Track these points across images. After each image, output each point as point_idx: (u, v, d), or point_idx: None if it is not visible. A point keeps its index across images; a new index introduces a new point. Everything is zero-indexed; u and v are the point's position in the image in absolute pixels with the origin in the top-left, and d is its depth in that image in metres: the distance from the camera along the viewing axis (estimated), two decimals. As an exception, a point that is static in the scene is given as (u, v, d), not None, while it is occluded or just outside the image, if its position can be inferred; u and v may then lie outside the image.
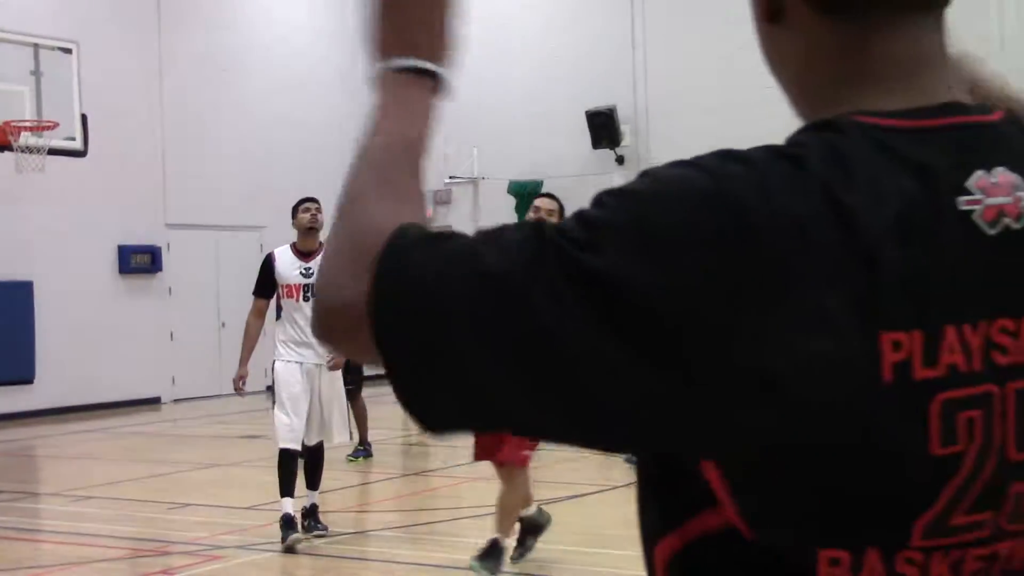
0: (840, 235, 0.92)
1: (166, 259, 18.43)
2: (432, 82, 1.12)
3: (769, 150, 0.97)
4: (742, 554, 0.97)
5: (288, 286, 8.05)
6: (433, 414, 1.00)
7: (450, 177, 20.39)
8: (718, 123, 19.10)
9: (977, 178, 0.96)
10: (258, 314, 8.34)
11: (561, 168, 19.39)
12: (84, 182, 16.90)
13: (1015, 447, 0.95)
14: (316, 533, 7.98)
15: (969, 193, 0.96)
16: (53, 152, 15.06)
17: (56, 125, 14.76)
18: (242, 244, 19.20)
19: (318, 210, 8.22)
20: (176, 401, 18.33)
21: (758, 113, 18.64)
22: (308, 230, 8.16)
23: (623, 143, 19.69)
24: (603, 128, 19.56)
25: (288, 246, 8.25)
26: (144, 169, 18.08)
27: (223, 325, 18.90)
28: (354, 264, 0.99)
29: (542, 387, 0.93)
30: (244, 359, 8.30)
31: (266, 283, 8.21)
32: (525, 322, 0.92)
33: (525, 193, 20.09)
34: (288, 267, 8.08)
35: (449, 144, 18.68)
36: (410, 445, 13.15)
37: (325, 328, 1.04)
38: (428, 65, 1.12)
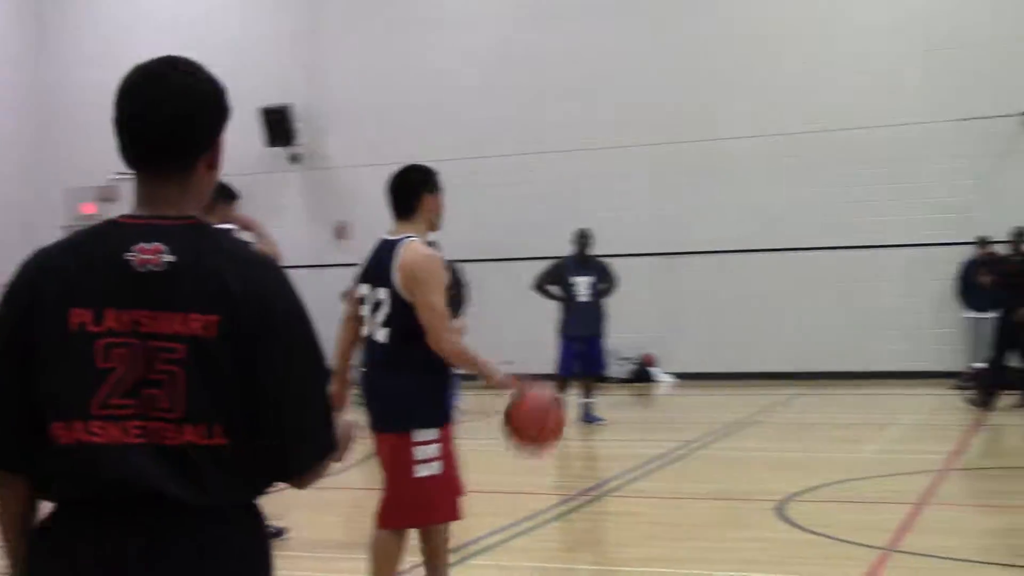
0: (71, 268, 2.15)
1: None
2: None
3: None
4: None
5: None
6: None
7: (117, 173, 19.51)
8: (394, 123, 19.57)
9: (138, 245, 2.15)
10: None
11: (234, 166, 18.83)
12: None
13: (144, 371, 2.11)
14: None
15: (131, 252, 2.14)
16: None
17: None
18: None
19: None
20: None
21: (433, 116, 19.37)
22: None
23: (298, 142, 19.71)
24: (278, 126, 19.46)
25: None
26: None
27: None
28: None
29: None
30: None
31: None
32: None
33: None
34: None
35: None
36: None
37: None
38: None
